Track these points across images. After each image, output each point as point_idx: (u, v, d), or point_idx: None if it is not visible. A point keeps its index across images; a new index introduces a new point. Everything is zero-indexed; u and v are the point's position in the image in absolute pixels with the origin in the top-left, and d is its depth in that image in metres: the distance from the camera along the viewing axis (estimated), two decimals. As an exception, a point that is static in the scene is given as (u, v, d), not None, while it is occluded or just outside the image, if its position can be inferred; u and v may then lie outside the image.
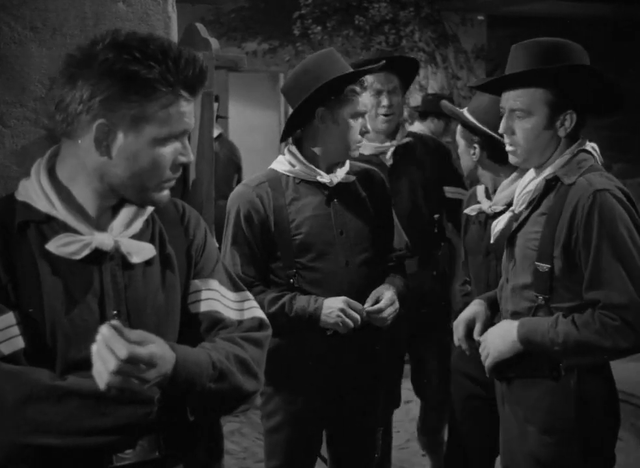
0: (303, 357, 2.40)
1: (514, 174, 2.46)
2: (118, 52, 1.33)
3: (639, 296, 1.91)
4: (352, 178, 2.50)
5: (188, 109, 1.41)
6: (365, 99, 2.44)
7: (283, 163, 2.47)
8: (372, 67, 2.46)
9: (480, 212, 2.54)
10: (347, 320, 2.34)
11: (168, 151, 1.41)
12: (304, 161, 2.43)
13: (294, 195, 2.43)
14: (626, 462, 2.19)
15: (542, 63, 2.05)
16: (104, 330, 1.25)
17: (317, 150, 2.44)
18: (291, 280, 2.39)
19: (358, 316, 2.37)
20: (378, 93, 3.01)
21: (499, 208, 2.48)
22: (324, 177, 2.43)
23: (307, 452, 2.52)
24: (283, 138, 2.50)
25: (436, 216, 3.13)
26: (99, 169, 1.40)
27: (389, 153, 3.05)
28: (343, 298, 2.37)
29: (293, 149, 2.46)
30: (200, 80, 1.41)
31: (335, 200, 2.46)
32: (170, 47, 1.37)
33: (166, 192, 1.46)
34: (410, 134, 3.23)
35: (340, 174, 2.48)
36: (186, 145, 1.45)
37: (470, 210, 2.57)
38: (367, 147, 2.95)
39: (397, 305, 2.45)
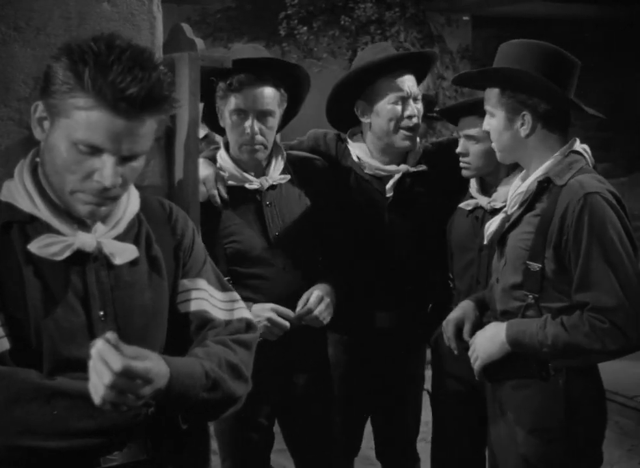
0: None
1: (517, 170, 2.34)
2: (76, 44, 1.34)
3: (627, 298, 1.92)
4: (287, 177, 2.37)
5: (123, 130, 1.31)
6: (243, 96, 2.25)
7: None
8: (221, 68, 2.12)
9: (477, 207, 2.46)
10: (274, 328, 2.25)
11: (81, 159, 1.34)
12: (233, 166, 2.32)
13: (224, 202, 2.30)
14: (609, 460, 2.20)
15: (515, 64, 2.04)
16: (99, 344, 1.23)
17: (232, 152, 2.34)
18: None
19: (286, 323, 2.26)
20: (402, 100, 2.45)
21: (498, 204, 2.40)
22: (253, 183, 2.32)
23: (256, 453, 2.45)
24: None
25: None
26: (42, 156, 1.41)
27: (390, 183, 2.52)
28: (270, 305, 2.26)
29: (223, 153, 2.35)
30: (144, 104, 1.30)
31: (269, 203, 2.33)
32: (118, 57, 1.29)
33: (86, 207, 1.38)
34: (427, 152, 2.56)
35: (273, 175, 2.35)
36: (107, 167, 1.33)
37: (465, 205, 2.49)
38: (366, 166, 2.55)
39: (327, 300, 2.31)
